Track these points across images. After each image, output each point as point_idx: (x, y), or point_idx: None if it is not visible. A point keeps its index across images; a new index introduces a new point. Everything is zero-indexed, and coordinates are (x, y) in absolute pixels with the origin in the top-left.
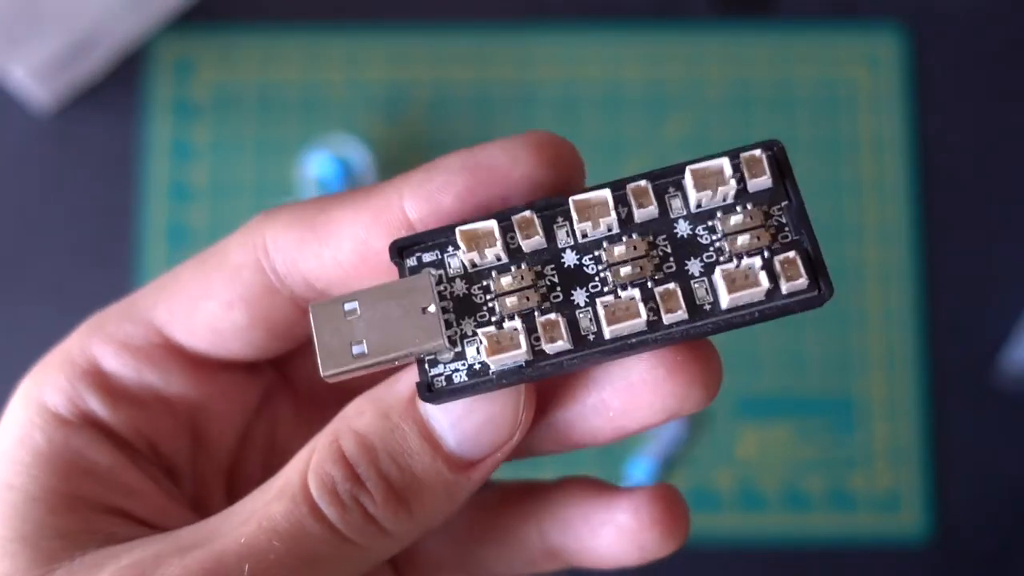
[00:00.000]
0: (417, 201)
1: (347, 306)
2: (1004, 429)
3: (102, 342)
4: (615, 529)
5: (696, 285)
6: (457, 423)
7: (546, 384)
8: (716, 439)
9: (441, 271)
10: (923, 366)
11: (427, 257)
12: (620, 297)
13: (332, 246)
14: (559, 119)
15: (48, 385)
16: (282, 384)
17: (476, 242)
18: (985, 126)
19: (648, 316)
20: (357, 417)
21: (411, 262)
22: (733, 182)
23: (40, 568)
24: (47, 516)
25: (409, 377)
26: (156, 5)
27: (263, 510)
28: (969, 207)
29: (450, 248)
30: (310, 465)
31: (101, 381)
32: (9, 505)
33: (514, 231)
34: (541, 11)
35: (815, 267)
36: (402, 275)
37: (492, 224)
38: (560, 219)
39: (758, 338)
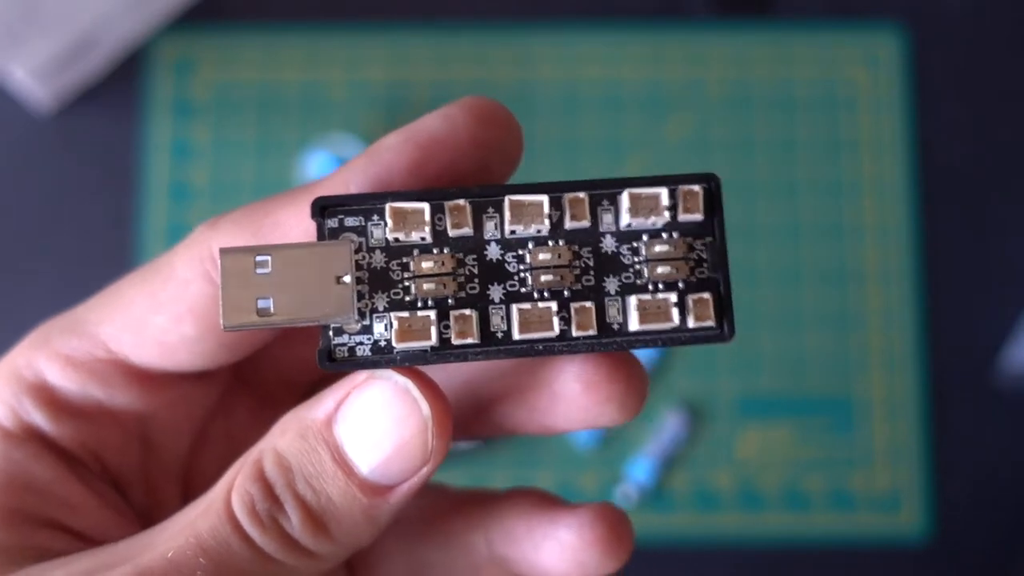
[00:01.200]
0: (366, 187)
1: (259, 258)
2: (1004, 429)
3: (48, 357)
4: (557, 544)
5: (609, 303)
6: (369, 450)
7: (475, 369)
8: (716, 439)
9: (363, 239)
10: (923, 366)
11: (350, 221)
12: (536, 304)
13: None
14: (559, 119)
15: None
16: (237, 382)
17: (404, 220)
18: (985, 126)
19: (560, 328)
20: (280, 435)
21: (332, 223)
22: (667, 213)
23: None
24: None
25: (332, 397)
26: (156, 5)
27: (190, 526)
28: (969, 207)
29: (375, 217)
30: (234, 483)
31: (47, 395)
32: None
33: (444, 214)
34: (541, 11)
35: (724, 309)
36: (321, 236)
37: (424, 206)
38: (491, 209)
39: (758, 338)
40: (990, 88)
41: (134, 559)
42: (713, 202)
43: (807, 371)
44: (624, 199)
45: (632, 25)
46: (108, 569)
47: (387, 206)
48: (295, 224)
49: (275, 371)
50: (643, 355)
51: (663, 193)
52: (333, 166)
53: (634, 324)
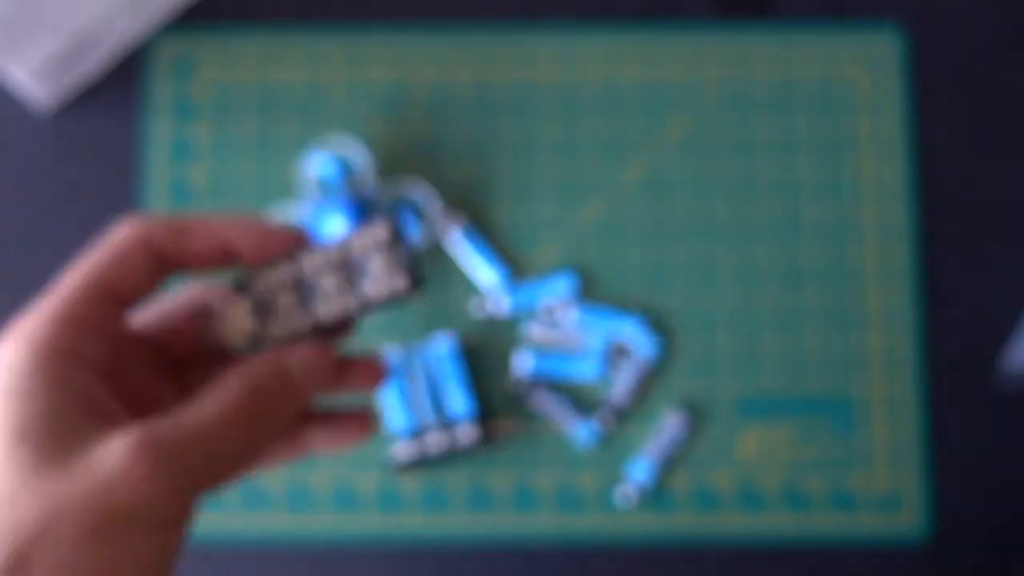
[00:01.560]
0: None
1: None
2: (1004, 429)
3: (67, 315)
4: (334, 429)
5: (359, 292)
6: (302, 367)
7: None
8: (716, 439)
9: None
10: (923, 366)
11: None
12: (292, 314)
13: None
14: (559, 119)
15: (39, 329)
16: (150, 354)
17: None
18: (984, 126)
19: (314, 321)
20: (259, 372)
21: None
22: (358, 254)
23: (61, 447)
24: (59, 416)
25: (281, 352)
26: (156, 5)
27: (220, 401)
28: (968, 207)
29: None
30: (249, 379)
31: (80, 326)
32: (29, 415)
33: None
34: (541, 11)
35: (412, 278)
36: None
37: (245, 305)
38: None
39: (758, 338)
40: (989, 88)
41: (183, 420)
42: (388, 238)
43: (807, 371)
44: (336, 256)
45: (632, 25)
46: (167, 426)
47: (220, 321)
48: (202, 245)
49: (170, 349)
50: (643, 354)
51: (352, 246)
52: (333, 166)
53: (371, 291)
